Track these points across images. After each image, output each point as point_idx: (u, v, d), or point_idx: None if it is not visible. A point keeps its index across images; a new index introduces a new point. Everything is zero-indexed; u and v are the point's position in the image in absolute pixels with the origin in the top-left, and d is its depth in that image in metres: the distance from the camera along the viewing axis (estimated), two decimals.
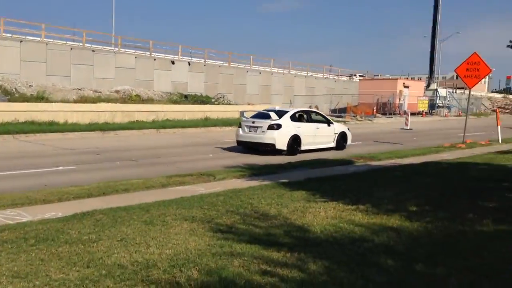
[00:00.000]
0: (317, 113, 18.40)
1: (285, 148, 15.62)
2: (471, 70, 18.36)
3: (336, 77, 54.83)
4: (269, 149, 15.57)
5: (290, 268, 4.47)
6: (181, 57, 37.32)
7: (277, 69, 46.47)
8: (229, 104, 34.86)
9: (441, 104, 53.05)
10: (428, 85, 55.89)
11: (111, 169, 12.02)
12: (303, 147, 16.19)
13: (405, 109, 42.56)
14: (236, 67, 41.27)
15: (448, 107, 53.63)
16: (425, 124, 37.46)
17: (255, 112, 17.55)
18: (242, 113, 16.90)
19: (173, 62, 35.66)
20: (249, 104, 36.61)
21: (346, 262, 4.64)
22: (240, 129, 16.37)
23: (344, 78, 56.61)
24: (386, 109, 45.94)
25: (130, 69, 32.78)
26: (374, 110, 43.30)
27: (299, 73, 48.75)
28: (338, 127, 17.86)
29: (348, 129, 18.50)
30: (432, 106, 51.97)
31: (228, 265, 4.56)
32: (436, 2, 53.54)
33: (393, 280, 4.24)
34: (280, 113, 16.23)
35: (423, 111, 48.44)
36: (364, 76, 61.27)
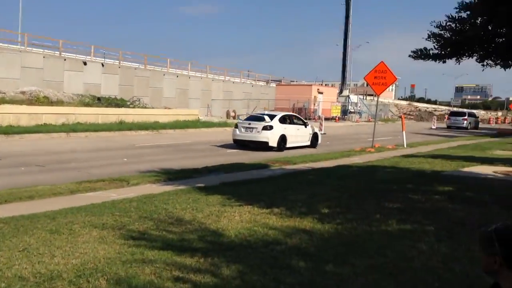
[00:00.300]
0: (297, 117, 21.36)
1: (275, 145, 18.53)
2: (379, 78, 19.35)
3: (253, 82, 55.52)
4: (263, 146, 18.40)
5: (203, 274, 4.43)
6: (94, 58, 35.92)
7: (194, 72, 46.16)
8: (145, 107, 34.07)
9: (352, 110, 55.47)
10: (340, 92, 58.26)
11: (14, 175, 11.26)
12: (288, 145, 19.11)
13: (320, 114, 44.04)
14: (153, 70, 40.47)
15: (359, 113, 56.19)
16: (338, 129, 38.92)
17: (248, 116, 21.11)
18: (238, 116, 19.96)
19: (85, 63, 34.23)
20: (166, 108, 36.04)
21: (259, 265, 4.68)
22: (236, 129, 19.17)
23: (261, 83, 57.46)
24: (301, 114, 47.18)
25: (38, 69, 31.01)
26: None
27: (217, 78, 48.79)
28: (311, 129, 20.83)
29: (319, 130, 21.55)
30: (345, 111, 54.22)
31: (139, 273, 4.42)
32: (347, 12, 56.03)
33: (304, 281, 4.33)
34: (271, 116, 19.26)
35: (336, 116, 50.34)
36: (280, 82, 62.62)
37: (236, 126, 19.45)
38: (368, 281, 4.36)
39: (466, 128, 44.07)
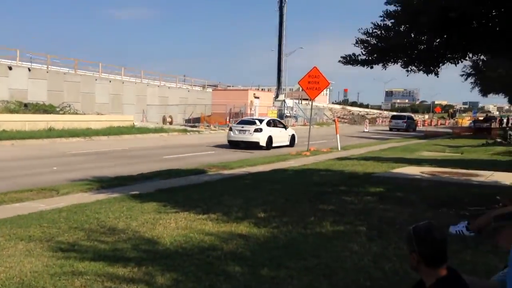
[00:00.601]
0: (279, 121, 25.53)
1: (265, 144, 21.85)
2: (312, 83, 19.80)
3: (189, 87, 55.10)
4: (254, 145, 21.65)
5: (137, 283, 4.32)
6: (20, 62, 34.23)
7: (128, 78, 45.14)
8: (76, 113, 32.92)
9: (288, 114, 56.31)
10: (276, 96, 59.00)
11: None
12: (273, 144, 22.34)
13: None
14: (84, 75, 39.17)
15: (295, 117, 57.15)
16: None
17: (240, 120, 25.19)
18: (232, 121, 24.47)
19: (10, 68, 32.54)
20: (98, 114, 34.99)
21: (194, 272, 4.63)
22: (231, 132, 22.77)
23: (197, 88, 57.15)
24: (238, 118, 47.39)
25: None
26: (227, 120, 44.41)
27: (152, 83, 48.01)
28: (290, 131, 24.55)
29: (295, 132, 24.97)
30: (281, 116, 54.87)
31: (68, 286, 4.25)
32: (281, 18, 56.92)
33: (240, 286, 4.33)
34: (260, 121, 22.80)
35: None
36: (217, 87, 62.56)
37: (231, 129, 23.17)
38: (303, 283, 4.43)
39: (406, 129, 48.68)
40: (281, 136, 23.30)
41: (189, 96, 51.34)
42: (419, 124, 70.38)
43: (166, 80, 52.14)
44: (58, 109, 32.25)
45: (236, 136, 22.41)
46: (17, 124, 25.00)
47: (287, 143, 23.75)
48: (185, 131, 34.49)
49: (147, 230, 6.32)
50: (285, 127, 24.54)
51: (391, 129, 49.86)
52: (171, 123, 42.39)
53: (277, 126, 23.69)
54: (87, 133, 26.25)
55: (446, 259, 2.69)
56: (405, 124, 50.07)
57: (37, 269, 4.69)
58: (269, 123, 22.93)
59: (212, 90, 56.16)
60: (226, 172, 13.43)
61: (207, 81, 61.49)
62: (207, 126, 41.29)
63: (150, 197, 8.86)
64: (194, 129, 37.35)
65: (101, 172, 13.16)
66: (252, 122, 22.68)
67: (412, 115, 72.71)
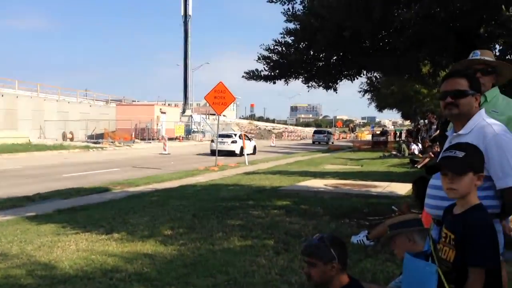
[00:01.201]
0: (246, 135, 30.76)
1: (238, 153, 28.59)
2: (218, 98, 19.90)
3: (91, 102, 53.00)
4: (232, 153, 28.62)
5: None
6: None
7: (23, 91, 42.47)
8: None
9: (196, 130, 56.13)
10: (183, 111, 58.61)
11: None
12: (244, 153, 25.72)
13: (163, 134, 43.65)
14: None
15: (203, 132, 57.07)
16: (182, 149, 38.97)
17: (219, 134, 29.20)
18: (215, 135, 30.42)
19: None
20: None
21: None
22: (213, 143, 28.01)
23: (100, 103, 55.12)
24: (145, 134, 46.35)
25: None
26: (133, 136, 43.23)
27: (50, 97, 45.55)
28: (253, 143, 32.11)
29: (256, 143, 33.43)
30: (188, 131, 54.61)
31: None
32: (186, 33, 56.91)
33: None
34: (234, 135, 30.40)
35: (180, 136, 50.43)
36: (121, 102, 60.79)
37: (212, 141, 29.21)
38: None
39: (326, 142, 56.99)
40: (248, 146, 29.06)
41: (91, 111, 49.36)
42: None
43: (66, 94, 49.81)
44: None
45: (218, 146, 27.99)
46: None
47: (252, 151, 30.67)
48: (87, 147, 33.04)
49: (44, 254, 5.92)
50: (250, 139, 31.71)
51: (313, 142, 58.24)
52: (72, 139, 40.43)
53: (245, 139, 29.48)
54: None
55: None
56: (325, 138, 59.83)
57: None
58: (240, 137, 29.37)
59: (116, 105, 54.48)
60: (131, 189, 13.01)
61: (110, 95, 59.58)
62: (112, 142, 39.90)
63: (48, 219, 8.33)
64: (98, 145, 35.90)
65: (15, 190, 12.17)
66: (229, 136, 30.89)
67: (330, 130, 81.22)
